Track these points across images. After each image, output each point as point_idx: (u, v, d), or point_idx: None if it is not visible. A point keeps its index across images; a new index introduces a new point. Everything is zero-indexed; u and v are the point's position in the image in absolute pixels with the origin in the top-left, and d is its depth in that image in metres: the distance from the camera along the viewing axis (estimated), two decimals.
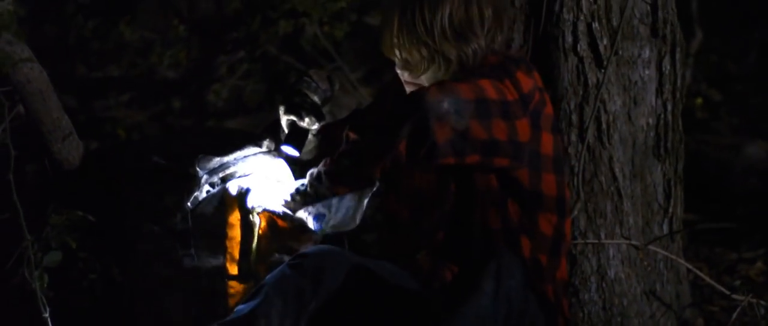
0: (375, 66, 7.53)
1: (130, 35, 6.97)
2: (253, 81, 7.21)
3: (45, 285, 3.36)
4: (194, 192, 3.24)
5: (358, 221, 3.18)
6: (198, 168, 3.23)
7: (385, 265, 3.09)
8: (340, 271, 2.97)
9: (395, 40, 3.13)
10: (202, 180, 3.23)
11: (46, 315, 3.36)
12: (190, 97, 7.23)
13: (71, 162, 3.51)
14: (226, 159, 3.28)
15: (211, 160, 3.26)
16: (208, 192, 3.26)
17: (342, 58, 7.06)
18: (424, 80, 3.15)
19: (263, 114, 7.06)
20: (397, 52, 3.17)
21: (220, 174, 3.26)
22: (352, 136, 3.01)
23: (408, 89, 3.19)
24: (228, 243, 3.27)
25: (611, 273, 3.74)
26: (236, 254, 3.27)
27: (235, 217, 3.27)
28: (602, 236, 3.69)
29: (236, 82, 7.20)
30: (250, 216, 3.25)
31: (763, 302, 3.95)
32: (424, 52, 3.10)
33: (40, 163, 3.58)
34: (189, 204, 3.23)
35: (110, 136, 6.67)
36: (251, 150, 3.35)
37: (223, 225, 3.27)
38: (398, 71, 3.22)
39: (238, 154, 3.31)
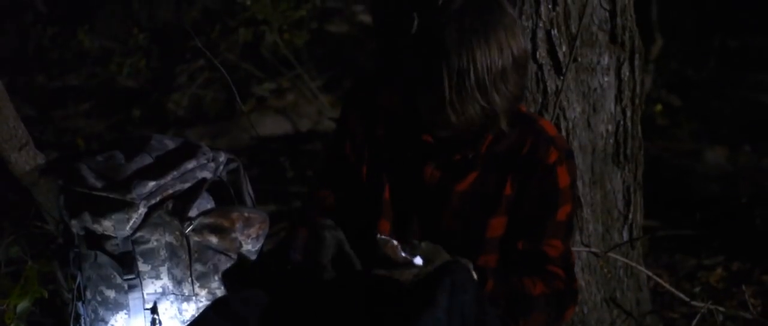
0: (336, 73, 7.53)
1: (89, 44, 6.95)
2: (213, 89, 7.19)
3: None
4: (133, 218, 3.21)
5: None
6: (135, 196, 3.20)
7: (318, 297, 3.05)
8: (265, 313, 2.92)
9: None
10: (140, 206, 3.20)
11: None
12: (150, 105, 7.20)
13: (28, 172, 3.48)
14: (162, 181, 3.25)
15: (147, 184, 3.22)
16: (145, 215, 3.23)
17: (302, 66, 7.05)
18: None
19: (223, 122, 7.04)
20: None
21: (158, 197, 3.23)
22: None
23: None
24: (170, 264, 3.26)
25: None
26: (179, 275, 3.26)
27: (174, 237, 3.25)
28: None
29: (196, 90, 7.18)
30: (186, 232, 3.23)
31: (722, 308, 3.97)
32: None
33: None
34: (128, 228, 3.21)
35: (69, 145, 6.63)
36: (187, 165, 3.32)
37: (163, 246, 3.25)
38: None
39: (175, 173, 3.28)
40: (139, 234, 3.23)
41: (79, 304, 3.33)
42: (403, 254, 2.80)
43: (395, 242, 2.79)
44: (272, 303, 2.95)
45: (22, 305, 3.44)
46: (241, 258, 3.30)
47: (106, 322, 3.29)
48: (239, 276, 3.15)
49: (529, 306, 2.95)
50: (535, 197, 2.98)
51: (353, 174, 3.11)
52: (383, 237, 2.80)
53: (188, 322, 3.25)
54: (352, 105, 3.17)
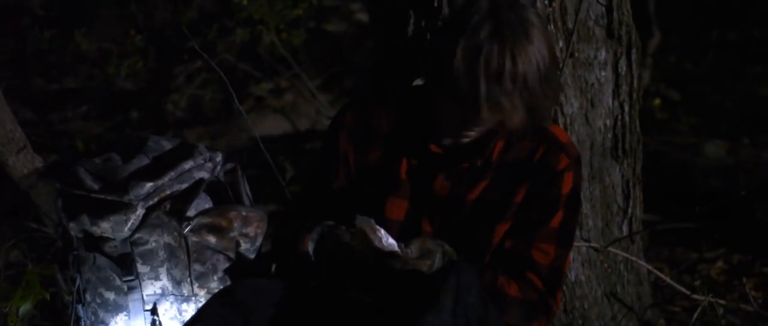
0: (334, 72, 7.52)
1: (86, 46, 6.94)
2: (211, 90, 7.19)
3: None
4: (131, 219, 3.20)
5: None
6: (132, 197, 3.19)
7: (321, 292, 3.04)
8: (272, 303, 2.92)
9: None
10: (138, 207, 3.20)
11: None
12: (148, 107, 7.20)
13: (26, 175, 3.47)
14: (160, 182, 3.24)
15: (144, 186, 3.21)
16: (143, 216, 3.22)
17: (300, 65, 7.04)
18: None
19: (222, 123, 7.04)
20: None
21: (156, 198, 3.23)
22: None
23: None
24: (169, 265, 3.25)
25: (572, 276, 3.74)
26: (178, 275, 3.25)
27: (173, 238, 3.24)
28: None
29: (194, 91, 7.18)
30: (184, 232, 3.23)
31: (723, 302, 3.97)
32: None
33: None
34: (126, 230, 3.20)
35: (68, 148, 6.62)
36: (184, 166, 3.31)
37: (162, 247, 3.25)
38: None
39: (172, 173, 3.27)
40: (137, 235, 3.23)
41: (79, 307, 3.33)
42: (390, 240, 2.79)
43: (378, 228, 2.80)
44: (280, 293, 2.95)
45: (25, 307, 3.44)
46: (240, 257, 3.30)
47: (107, 324, 3.29)
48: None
49: (504, 303, 2.95)
50: (538, 201, 2.99)
51: (342, 198, 3.11)
52: (363, 217, 2.81)
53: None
54: (340, 129, 3.13)
